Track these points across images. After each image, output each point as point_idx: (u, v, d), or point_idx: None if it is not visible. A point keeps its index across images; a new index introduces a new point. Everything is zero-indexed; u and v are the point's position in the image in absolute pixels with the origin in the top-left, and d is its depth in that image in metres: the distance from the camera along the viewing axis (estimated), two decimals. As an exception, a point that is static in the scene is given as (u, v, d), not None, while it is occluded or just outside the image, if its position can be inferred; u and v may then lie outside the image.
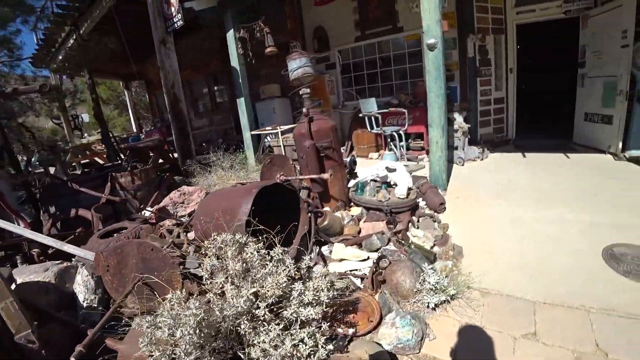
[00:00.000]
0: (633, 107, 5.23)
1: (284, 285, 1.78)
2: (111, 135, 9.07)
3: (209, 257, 1.92)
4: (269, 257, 1.93)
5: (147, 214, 3.90)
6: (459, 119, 5.12)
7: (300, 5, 8.03)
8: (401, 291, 2.42)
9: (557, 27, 7.26)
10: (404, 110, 4.85)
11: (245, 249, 1.92)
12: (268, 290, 1.75)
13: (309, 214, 2.78)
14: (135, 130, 14.57)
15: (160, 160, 7.26)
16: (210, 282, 1.83)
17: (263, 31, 5.74)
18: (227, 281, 1.77)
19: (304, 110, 3.26)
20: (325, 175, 3.10)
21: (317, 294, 1.79)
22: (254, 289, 1.70)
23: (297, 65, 3.40)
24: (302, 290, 1.77)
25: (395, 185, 3.31)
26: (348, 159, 4.75)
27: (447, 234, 3.17)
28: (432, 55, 3.68)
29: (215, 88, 11.25)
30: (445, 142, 3.81)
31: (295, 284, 1.81)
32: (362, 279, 2.58)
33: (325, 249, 2.91)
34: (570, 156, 5.44)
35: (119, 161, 8.25)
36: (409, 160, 5.39)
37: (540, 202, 3.70)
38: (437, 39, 3.63)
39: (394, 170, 3.37)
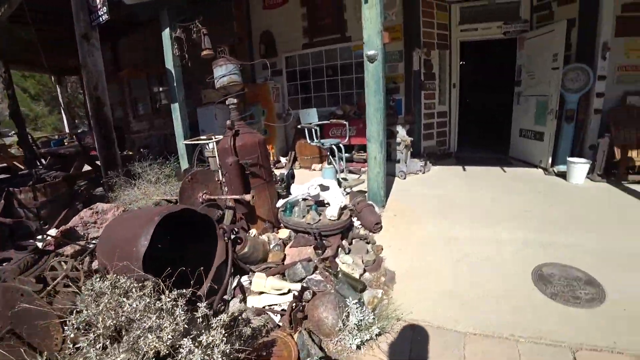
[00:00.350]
0: (561, 126, 5.51)
1: (168, 342, 1.46)
2: (30, 138, 8.10)
3: (77, 312, 1.55)
4: (158, 306, 1.60)
5: (50, 237, 3.36)
6: (401, 132, 5.06)
7: (249, 7, 7.69)
8: (323, 329, 2.19)
9: (502, 47, 7.54)
10: (344, 122, 4.68)
11: (125, 298, 1.57)
12: (148, 351, 1.43)
13: (227, 241, 2.47)
14: (67, 130, 13.32)
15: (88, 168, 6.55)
16: (74, 345, 1.47)
17: (200, 32, 5.34)
18: (94, 343, 1.42)
19: (228, 122, 2.95)
20: (247, 197, 2.81)
21: (210, 351, 1.49)
22: (123, 355, 1.36)
23: (223, 73, 3.09)
24: (192, 349, 1.47)
25: (328, 204, 3.10)
26: (286, 172, 4.50)
27: (381, 257, 3.00)
28: (372, 67, 3.54)
29: (161, 89, 10.54)
30: (383, 157, 3.68)
31: (184, 339, 1.50)
32: (282, 315, 2.31)
33: (245, 280, 2.62)
34: (507, 170, 5.59)
35: (40, 167, 7.38)
36: (351, 172, 5.26)
37: (476, 220, 3.67)
38: (378, 50, 3.49)
39: (327, 188, 3.16)
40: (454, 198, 4.29)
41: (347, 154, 5.77)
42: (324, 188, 3.18)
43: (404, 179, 5.02)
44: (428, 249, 3.18)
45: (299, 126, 4.81)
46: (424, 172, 5.30)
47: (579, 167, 4.84)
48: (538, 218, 3.66)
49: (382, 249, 3.09)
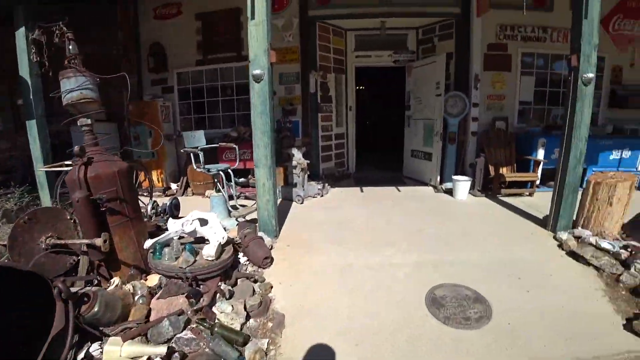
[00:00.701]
0: (446, 146, 5.99)
1: None
2: None
3: None
4: None
5: None
6: (297, 155, 4.90)
7: (137, 14, 6.91)
8: (191, 404, 1.77)
9: (399, 73, 8.01)
10: (233, 145, 4.32)
11: None
12: None
13: (67, 301, 1.90)
14: None
15: None
16: None
17: (65, 36, 4.53)
18: None
19: (76, 149, 2.37)
20: (98, 241, 2.26)
21: None
22: None
23: (72, 87, 2.52)
24: None
25: (208, 241, 2.69)
26: (169, 202, 3.95)
27: (269, 297, 2.68)
28: (258, 87, 3.31)
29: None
30: (272, 184, 3.43)
31: None
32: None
33: (97, 348, 2.04)
34: (401, 189, 5.83)
35: None
36: (247, 198, 4.91)
37: (372, 244, 3.61)
38: (264, 70, 3.29)
39: (206, 222, 2.75)
40: (351, 221, 4.23)
41: (243, 179, 5.42)
42: (203, 222, 2.77)
43: (302, 203, 4.85)
44: (322, 281, 2.98)
45: (181, 150, 4.28)
46: (322, 195, 5.21)
47: (462, 185, 5.26)
48: (430, 237, 3.77)
49: (272, 288, 2.77)
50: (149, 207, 4.04)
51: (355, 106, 7.13)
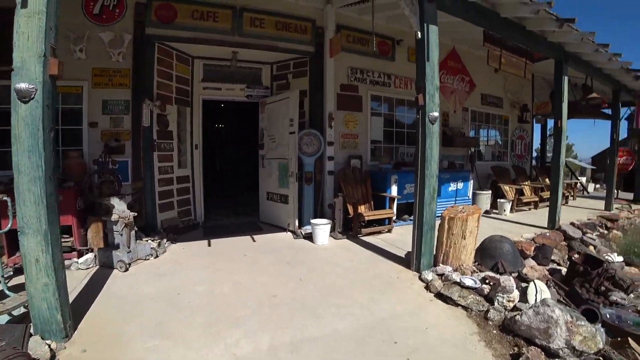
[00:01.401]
0: (303, 187, 5.65)
1: None
2: None
3: None
4: None
5: None
6: (119, 206, 3.71)
7: None
8: None
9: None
10: (3, 197, 2.86)
11: None
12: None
13: None
14: None
15: None
16: None
17: None
18: None
19: None
20: None
21: None
22: None
23: None
24: None
25: None
26: None
27: None
28: (26, 110, 2.14)
29: None
30: (51, 259, 2.26)
31: None
32: None
33: None
34: (256, 238, 5.19)
35: None
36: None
37: (212, 327, 2.68)
38: (37, 84, 2.15)
39: None
40: (188, 293, 3.25)
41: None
42: None
43: (126, 270, 3.61)
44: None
45: None
46: (156, 256, 4.07)
47: (322, 229, 4.93)
48: (287, 304, 3.09)
49: None
50: None
51: (212, 145, 6.30)
